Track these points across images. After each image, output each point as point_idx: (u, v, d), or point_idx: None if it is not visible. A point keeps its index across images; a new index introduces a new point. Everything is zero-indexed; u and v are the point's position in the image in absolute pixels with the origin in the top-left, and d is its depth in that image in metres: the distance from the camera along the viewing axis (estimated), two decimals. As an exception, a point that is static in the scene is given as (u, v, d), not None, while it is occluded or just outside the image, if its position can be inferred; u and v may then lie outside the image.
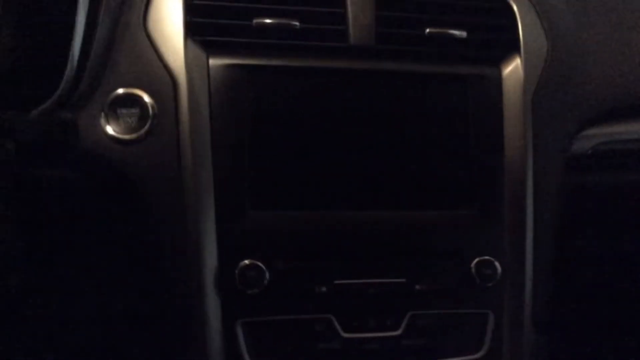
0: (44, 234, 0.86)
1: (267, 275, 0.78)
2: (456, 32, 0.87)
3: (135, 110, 0.77)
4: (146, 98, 0.78)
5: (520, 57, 0.90)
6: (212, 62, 0.80)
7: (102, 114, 0.77)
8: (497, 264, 0.85)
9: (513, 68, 0.90)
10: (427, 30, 0.86)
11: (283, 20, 0.82)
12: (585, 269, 1.11)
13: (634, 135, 0.99)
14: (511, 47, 0.90)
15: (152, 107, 0.78)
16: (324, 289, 0.81)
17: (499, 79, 0.89)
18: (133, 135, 0.77)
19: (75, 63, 0.75)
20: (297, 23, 0.82)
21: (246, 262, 0.78)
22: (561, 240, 0.93)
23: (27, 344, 1.00)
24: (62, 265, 0.92)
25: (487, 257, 0.85)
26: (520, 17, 0.91)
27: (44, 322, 0.98)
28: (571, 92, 0.94)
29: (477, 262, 0.85)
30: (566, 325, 1.11)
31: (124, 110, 0.77)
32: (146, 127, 0.78)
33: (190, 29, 0.80)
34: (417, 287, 0.84)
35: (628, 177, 1.02)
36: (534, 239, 0.88)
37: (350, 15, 0.84)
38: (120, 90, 0.78)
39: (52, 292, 0.95)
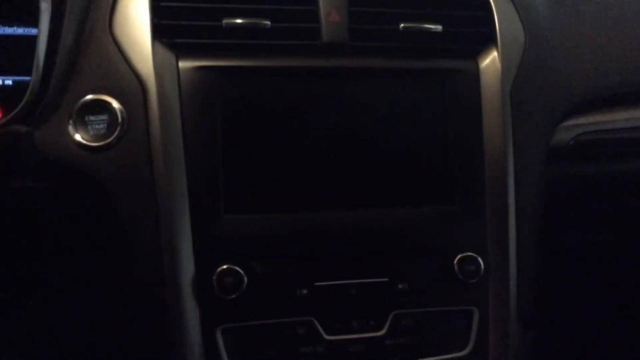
0: (13, 246, 0.84)
1: (246, 279, 0.77)
2: (431, 26, 0.86)
3: (104, 117, 0.76)
4: (115, 104, 0.76)
5: (498, 49, 0.89)
6: (182, 64, 0.79)
7: (70, 122, 0.76)
8: (480, 259, 0.84)
9: (490, 61, 0.89)
10: (402, 25, 0.85)
11: (253, 20, 0.80)
12: (569, 261, 1.10)
13: (615, 125, 0.99)
14: (488, 40, 0.89)
15: (122, 113, 0.76)
16: (304, 291, 0.80)
17: (476, 73, 0.88)
18: (102, 142, 0.76)
19: (40, 71, 0.74)
20: (268, 22, 0.81)
21: (224, 267, 0.76)
22: (545, 233, 0.92)
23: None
24: (35, 276, 0.90)
25: (470, 253, 0.84)
26: (497, 9, 0.90)
27: (17, 332, 0.96)
28: (550, 84, 0.93)
29: (460, 259, 0.83)
30: (552, 320, 1.10)
31: (92, 117, 0.76)
32: (116, 133, 0.76)
33: (158, 32, 0.79)
34: (400, 286, 0.83)
35: (610, 167, 1.01)
36: (517, 233, 0.87)
37: (322, 12, 0.83)
38: (88, 97, 0.76)
39: (26, 304, 0.93)
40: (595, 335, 1.23)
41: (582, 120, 0.97)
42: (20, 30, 0.74)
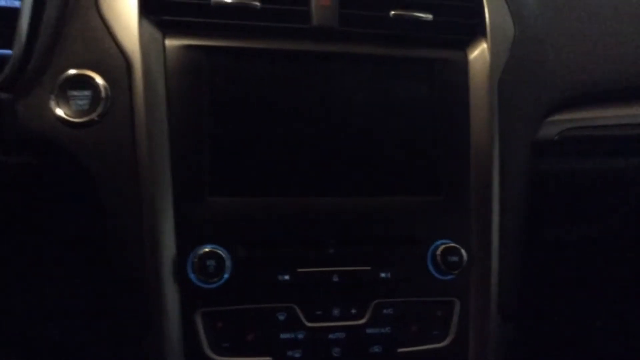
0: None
1: (227, 263, 0.76)
2: (422, 15, 0.86)
3: (87, 92, 0.74)
4: (98, 79, 0.75)
5: (487, 41, 0.88)
6: (169, 42, 0.78)
7: (52, 96, 0.74)
8: (463, 251, 0.83)
9: (479, 52, 0.88)
10: (392, 12, 0.85)
11: (243, 0, 0.79)
12: (550, 255, 1.10)
13: (600, 122, 0.99)
14: (477, 31, 0.89)
15: (105, 89, 0.75)
16: (286, 277, 0.79)
17: (464, 63, 0.88)
18: (85, 118, 0.74)
19: (22, 44, 0.72)
20: (257, 3, 0.80)
21: (205, 250, 0.75)
22: (527, 226, 0.92)
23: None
24: (11, 257, 0.88)
25: (453, 244, 0.84)
26: (487, 1, 0.90)
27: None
28: (537, 78, 0.93)
29: (443, 250, 0.83)
30: (531, 313, 1.11)
31: (75, 92, 0.74)
32: (99, 110, 0.75)
33: (145, 8, 0.77)
34: (382, 275, 0.82)
35: (593, 164, 1.02)
36: (500, 225, 0.87)
37: None
38: (71, 71, 0.74)
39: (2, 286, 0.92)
40: (573, 329, 1.24)
41: (567, 115, 0.97)
42: (2, 2, 0.73)
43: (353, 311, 0.82)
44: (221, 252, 0.75)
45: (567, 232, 1.10)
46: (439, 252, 0.83)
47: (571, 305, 1.21)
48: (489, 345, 0.87)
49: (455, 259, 0.83)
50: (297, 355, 0.79)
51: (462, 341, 0.86)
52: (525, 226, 0.92)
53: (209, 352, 0.77)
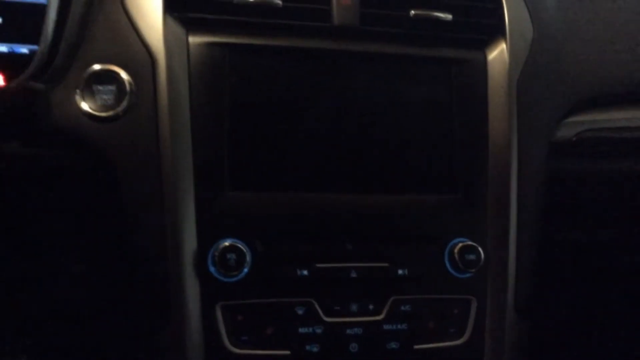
0: (16, 216, 0.84)
1: (247, 257, 0.76)
2: (441, 15, 0.86)
3: (112, 87, 0.76)
4: (123, 75, 0.76)
5: (506, 41, 0.89)
6: (192, 39, 0.79)
7: (78, 90, 0.75)
8: (480, 249, 0.84)
9: (498, 52, 0.89)
10: (412, 12, 0.85)
11: None
12: (567, 255, 1.10)
13: (618, 123, 0.99)
14: (497, 32, 0.90)
15: (130, 84, 0.76)
16: (305, 272, 0.79)
17: (483, 63, 0.89)
18: (110, 113, 0.76)
19: (49, 38, 0.73)
20: (279, 1, 0.81)
21: (226, 244, 0.76)
22: (544, 226, 0.92)
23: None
24: (34, 250, 0.89)
25: (470, 243, 0.84)
26: (506, 2, 0.90)
27: (18, 306, 0.95)
28: (556, 79, 0.94)
29: (461, 248, 0.83)
30: (548, 312, 1.11)
31: (100, 87, 0.75)
32: (123, 104, 0.76)
33: (170, 5, 0.78)
34: (400, 272, 0.83)
35: (611, 165, 1.02)
36: (518, 224, 0.87)
37: None
38: (97, 66, 0.76)
39: (25, 279, 0.93)
40: (590, 326, 1.23)
41: (585, 117, 0.97)
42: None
43: (370, 307, 0.82)
44: (241, 246, 0.76)
45: (584, 232, 1.10)
46: (456, 250, 0.83)
47: (587, 303, 1.21)
48: (505, 343, 0.87)
49: (472, 257, 0.83)
50: (315, 349, 0.80)
51: (479, 339, 0.86)
52: (542, 225, 0.92)
53: (228, 345, 0.78)
